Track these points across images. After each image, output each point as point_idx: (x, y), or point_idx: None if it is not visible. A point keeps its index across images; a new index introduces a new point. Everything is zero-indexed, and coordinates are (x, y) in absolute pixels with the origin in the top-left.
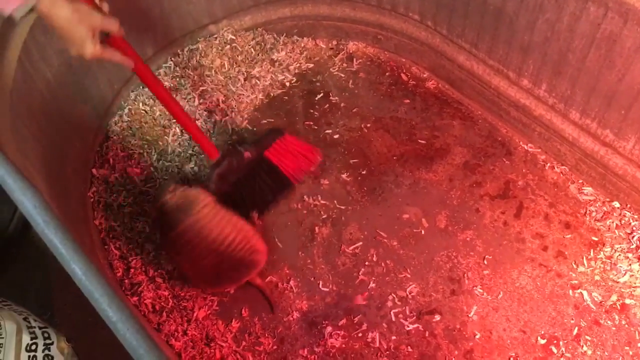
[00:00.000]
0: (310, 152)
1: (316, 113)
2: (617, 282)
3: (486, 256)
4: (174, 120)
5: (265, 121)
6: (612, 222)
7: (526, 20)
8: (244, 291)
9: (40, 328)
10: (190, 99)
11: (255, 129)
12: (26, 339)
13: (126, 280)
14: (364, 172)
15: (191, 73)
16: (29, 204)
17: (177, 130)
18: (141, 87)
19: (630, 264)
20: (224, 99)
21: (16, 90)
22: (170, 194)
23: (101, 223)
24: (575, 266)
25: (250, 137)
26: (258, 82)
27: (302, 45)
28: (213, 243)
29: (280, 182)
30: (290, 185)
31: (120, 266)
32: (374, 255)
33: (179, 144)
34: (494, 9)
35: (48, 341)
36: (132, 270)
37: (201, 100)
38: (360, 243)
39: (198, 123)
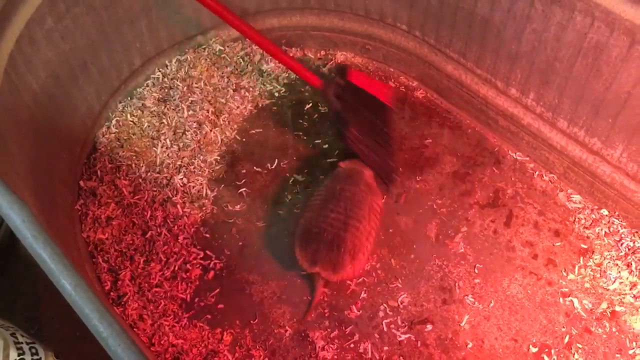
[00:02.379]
0: (382, 85)
1: (305, 123)
2: (607, 290)
3: (477, 265)
4: (163, 132)
5: (255, 131)
6: (601, 230)
7: (513, 30)
8: (234, 301)
9: (27, 344)
10: (179, 110)
11: (244, 139)
12: (13, 354)
13: (112, 293)
14: None
15: (180, 84)
16: (17, 219)
17: (167, 141)
18: (129, 98)
19: (619, 271)
20: (213, 109)
21: (2, 103)
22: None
23: (89, 236)
24: (565, 274)
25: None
26: (247, 92)
27: (291, 55)
28: (349, 215)
29: (380, 107)
30: (387, 108)
31: (109, 279)
32: (366, 265)
33: (168, 155)
34: (481, 19)
35: (36, 357)
36: (119, 282)
37: (190, 112)
38: None
39: (187, 134)
